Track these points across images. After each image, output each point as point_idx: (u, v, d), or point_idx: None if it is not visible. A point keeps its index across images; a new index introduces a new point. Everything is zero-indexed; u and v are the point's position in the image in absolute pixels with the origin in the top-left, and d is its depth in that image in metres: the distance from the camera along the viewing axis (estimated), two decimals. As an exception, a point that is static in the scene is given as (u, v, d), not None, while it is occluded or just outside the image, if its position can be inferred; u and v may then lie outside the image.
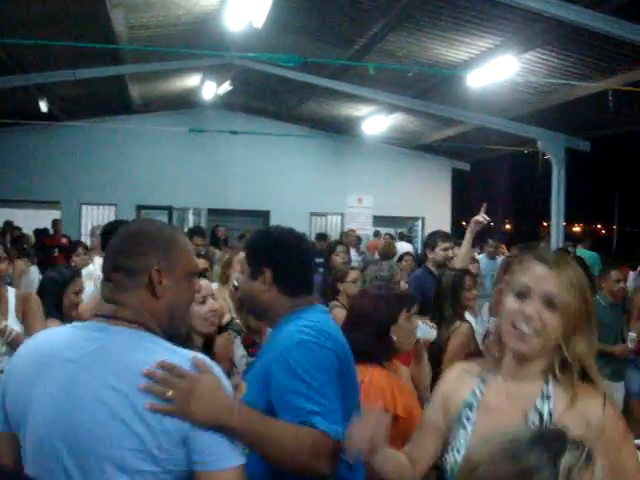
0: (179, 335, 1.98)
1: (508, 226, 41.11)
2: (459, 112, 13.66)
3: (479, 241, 10.97)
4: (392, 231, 17.49)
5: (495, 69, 9.74)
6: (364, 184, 18.63)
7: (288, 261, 2.50)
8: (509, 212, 36.36)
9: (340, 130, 18.10)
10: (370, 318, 3.00)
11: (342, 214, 19.07)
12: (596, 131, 14.22)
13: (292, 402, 2.14)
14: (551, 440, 1.29)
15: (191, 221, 17.56)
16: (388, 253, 10.77)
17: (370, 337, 2.95)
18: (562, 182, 14.39)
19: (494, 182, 22.39)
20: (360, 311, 3.09)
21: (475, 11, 9.10)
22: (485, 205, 5.47)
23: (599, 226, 48.93)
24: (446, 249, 5.66)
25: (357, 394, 2.49)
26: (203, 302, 3.06)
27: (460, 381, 2.11)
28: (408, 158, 19.03)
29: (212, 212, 17.97)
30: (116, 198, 16.98)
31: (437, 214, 18.84)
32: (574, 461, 1.24)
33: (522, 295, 1.88)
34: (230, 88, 14.66)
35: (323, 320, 2.45)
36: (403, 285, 4.92)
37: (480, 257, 9.52)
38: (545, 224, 16.59)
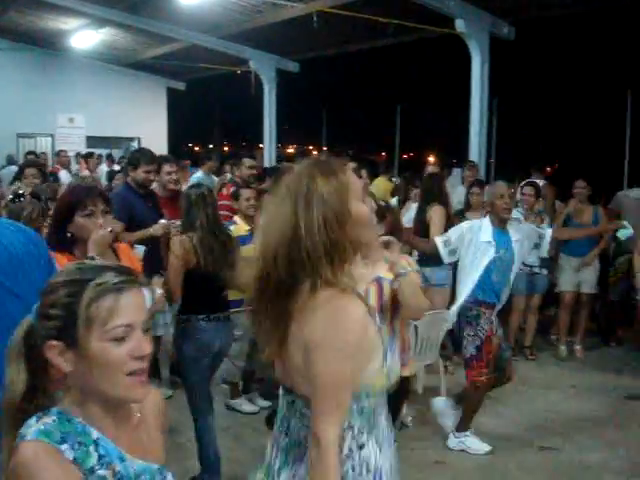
0: None
1: (226, 148, 41.65)
2: (171, 29, 13.48)
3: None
4: (107, 152, 16.95)
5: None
6: (75, 103, 17.75)
7: None
8: (226, 133, 36.82)
9: (47, 44, 16.94)
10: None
11: (52, 135, 18.06)
12: (305, 52, 14.84)
13: None
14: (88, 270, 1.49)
15: None
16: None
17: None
18: (273, 103, 14.92)
19: (210, 102, 22.45)
20: None
21: None
22: None
23: (311, 147, 51.31)
24: (148, 172, 5.51)
25: None
26: None
27: None
28: (121, 76, 18.44)
29: None
30: None
31: (153, 134, 18.59)
32: (93, 295, 1.43)
33: None
34: None
35: None
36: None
37: (199, 174, 9.57)
38: (261, 146, 17.08)
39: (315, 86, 25.44)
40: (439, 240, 5.02)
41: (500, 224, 4.85)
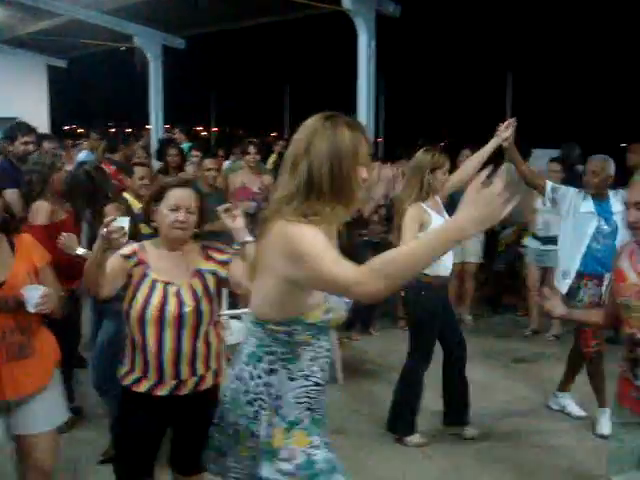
0: None
1: (113, 130, 40.40)
2: (50, 3, 12.90)
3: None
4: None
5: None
6: (-52, 83, 16.79)
7: None
8: (112, 113, 35.74)
9: None
10: None
11: None
12: (190, 29, 14.50)
13: None
14: None
15: None
16: None
17: None
18: (160, 81, 14.57)
19: (94, 81, 21.72)
20: None
21: None
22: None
23: (200, 128, 50.59)
24: (26, 143, 5.45)
25: None
26: None
27: None
28: (-3, 53, 17.57)
29: None
30: None
31: (34, 114, 17.65)
32: None
33: None
34: None
35: None
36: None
37: (84, 153, 9.29)
38: (148, 127, 16.67)
39: (202, 64, 25.00)
40: (550, 183, 5.16)
41: (596, 196, 4.94)
